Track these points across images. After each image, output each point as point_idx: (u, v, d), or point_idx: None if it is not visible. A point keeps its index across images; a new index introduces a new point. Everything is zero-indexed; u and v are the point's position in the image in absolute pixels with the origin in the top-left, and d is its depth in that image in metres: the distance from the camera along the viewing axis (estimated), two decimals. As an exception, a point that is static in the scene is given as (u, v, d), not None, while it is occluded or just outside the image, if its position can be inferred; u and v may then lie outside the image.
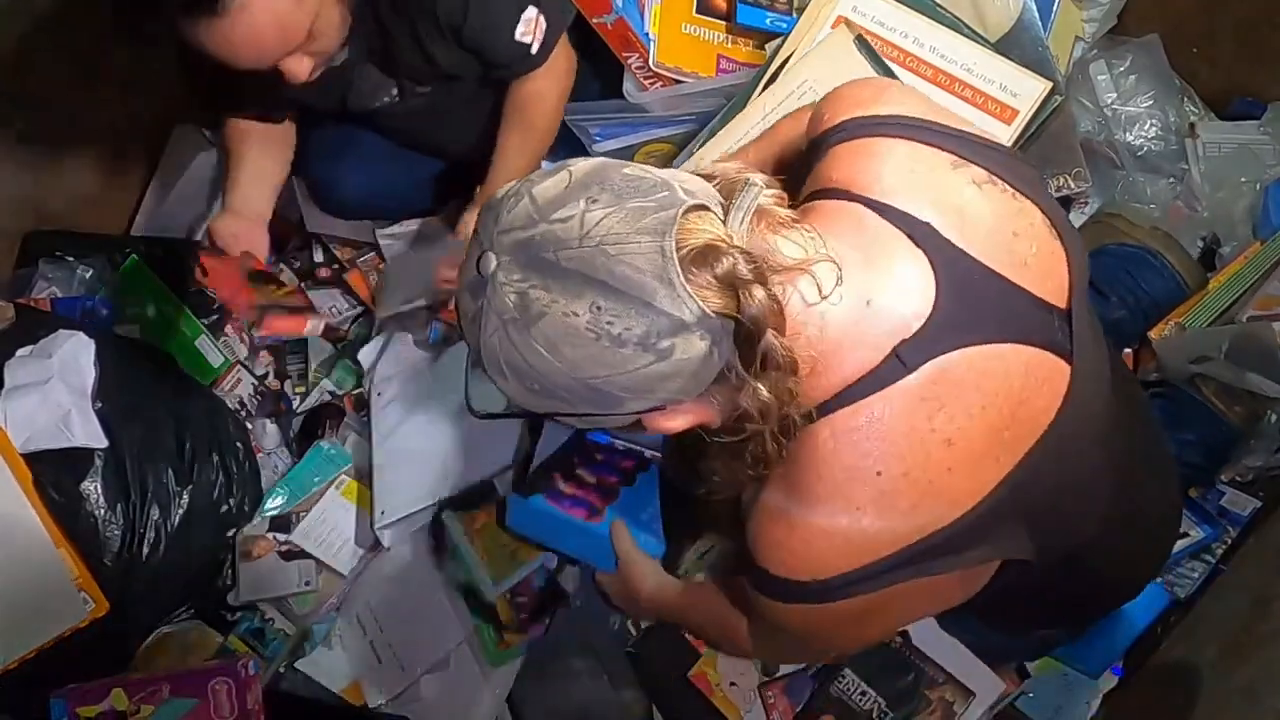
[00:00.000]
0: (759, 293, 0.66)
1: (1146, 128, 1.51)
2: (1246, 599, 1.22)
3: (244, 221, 1.48)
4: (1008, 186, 0.80)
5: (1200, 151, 1.49)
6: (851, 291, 0.72)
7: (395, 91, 1.43)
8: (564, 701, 1.35)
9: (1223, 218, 1.47)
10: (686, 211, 0.66)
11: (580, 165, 0.69)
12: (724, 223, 0.69)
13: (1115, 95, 1.51)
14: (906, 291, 0.74)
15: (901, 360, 0.72)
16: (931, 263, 0.75)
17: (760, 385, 0.69)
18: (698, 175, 0.72)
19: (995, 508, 0.75)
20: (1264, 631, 1.12)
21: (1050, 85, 1.27)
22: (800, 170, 0.87)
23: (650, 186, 0.67)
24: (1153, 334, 1.33)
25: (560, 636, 1.37)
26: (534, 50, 1.34)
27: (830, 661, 1.20)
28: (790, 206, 0.75)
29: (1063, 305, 0.79)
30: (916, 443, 0.73)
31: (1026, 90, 1.28)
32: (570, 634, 1.36)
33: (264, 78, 1.20)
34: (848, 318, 0.72)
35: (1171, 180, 1.51)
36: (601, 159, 0.70)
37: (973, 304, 0.75)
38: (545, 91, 1.41)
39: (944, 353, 0.73)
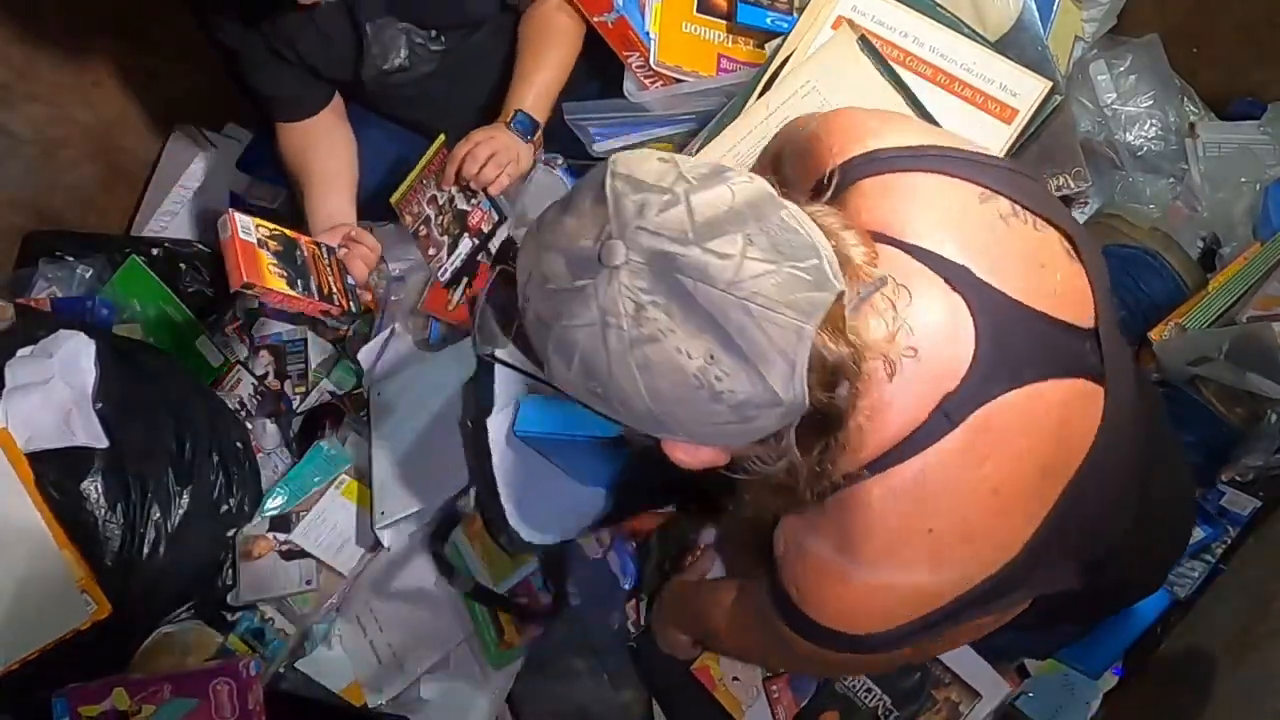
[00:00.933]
0: (847, 387, 0.65)
1: (1146, 128, 1.51)
2: (1246, 599, 1.22)
3: (338, 234, 1.48)
4: (1029, 215, 0.79)
5: (1200, 152, 1.49)
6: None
7: (405, 53, 1.43)
8: (564, 701, 1.35)
9: (1222, 218, 1.46)
10: (833, 301, 0.63)
11: (741, 187, 0.64)
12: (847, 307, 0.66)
13: (1115, 95, 1.51)
14: (947, 340, 0.72)
15: (947, 415, 0.71)
16: (969, 307, 0.73)
17: (800, 458, 0.67)
18: (821, 225, 0.68)
19: (1044, 541, 0.75)
20: (1264, 631, 1.12)
21: (1050, 85, 1.27)
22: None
23: (803, 250, 0.63)
24: (1152, 335, 1.33)
25: (560, 636, 1.36)
26: None
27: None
28: None
29: (1090, 325, 0.79)
30: (966, 495, 0.72)
31: (1026, 90, 1.28)
32: (570, 634, 1.36)
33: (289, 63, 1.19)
34: (899, 374, 0.70)
35: (1171, 180, 1.51)
36: (758, 184, 0.65)
37: (1012, 347, 0.73)
38: (561, 12, 1.43)
39: (987, 402, 0.72)
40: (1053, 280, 0.78)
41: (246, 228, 1.24)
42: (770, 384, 0.62)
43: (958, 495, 0.72)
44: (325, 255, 1.33)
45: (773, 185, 0.67)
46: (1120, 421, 0.79)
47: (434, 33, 1.42)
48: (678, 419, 0.64)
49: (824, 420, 0.66)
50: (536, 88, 1.44)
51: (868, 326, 0.67)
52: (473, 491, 1.03)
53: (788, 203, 0.66)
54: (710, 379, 0.61)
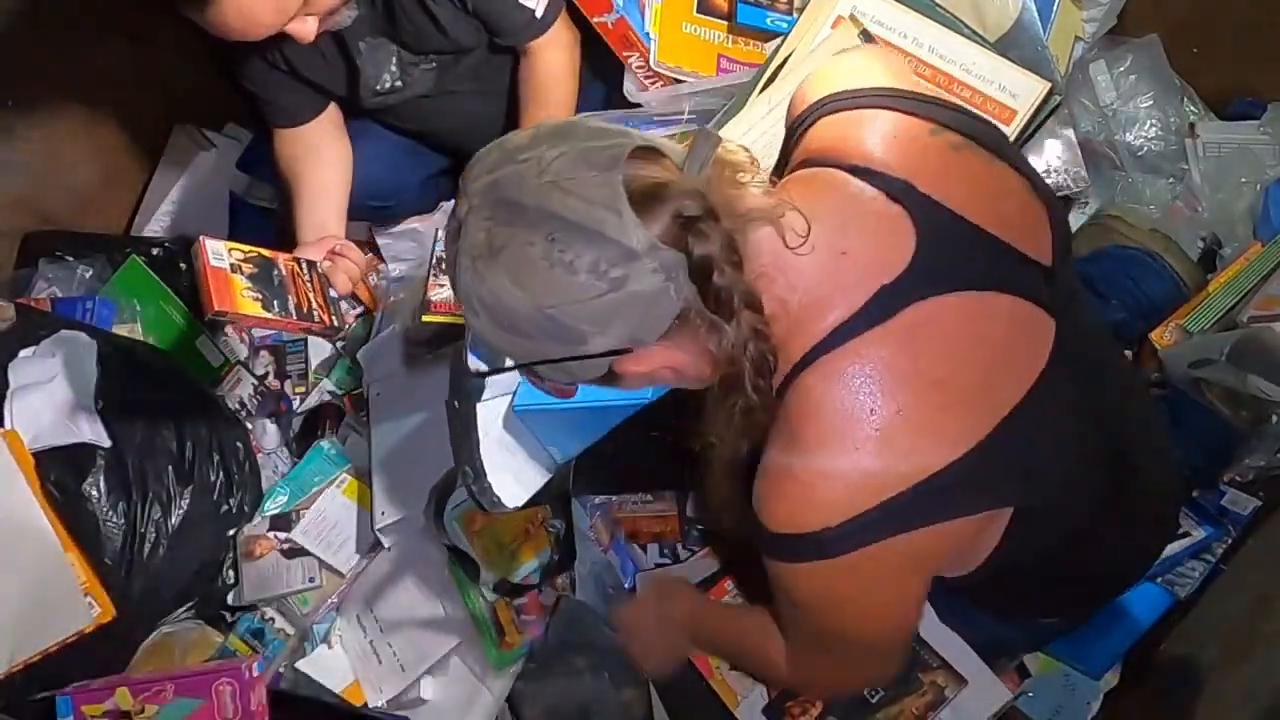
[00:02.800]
0: (710, 230, 0.69)
1: (1146, 128, 1.51)
2: (1247, 599, 1.22)
3: (324, 246, 1.47)
4: (984, 150, 0.82)
5: (1200, 152, 1.49)
6: (825, 243, 0.75)
7: (397, 72, 1.43)
8: (564, 700, 1.35)
9: (1223, 218, 1.46)
10: (635, 151, 0.70)
11: (551, 120, 0.75)
12: (679, 170, 0.72)
13: (1115, 95, 1.51)
14: (883, 241, 0.76)
15: (882, 304, 0.74)
16: (910, 215, 0.77)
17: (725, 325, 0.71)
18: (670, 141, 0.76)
19: (991, 453, 0.75)
20: (1264, 631, 1.12)
21: (1049, 86, 1.27)
22: (783, 150, 0.91)
23: (610, 135, 0.72)
24: (1154, 336, 1.33)
25: (561, 635, 1.36)
26: (539, 14, 1.34)
27: (871, 683, 1.13)
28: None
29: (1047, 263, 0.81)
30: (906, 382, 0.74)
31: (1025, 91, 1.28)
32: (571, 632, 1.36)
33: (284, 73, 1.23)
34: (823, 268, 0.75)
35: (1171, 181, 1.51)
36: (574, 117, 0.74)
37: (955, 253, 0.77)
38: (556, 62, 1.41)
39: (926, 297, 0.75)
40: (1007, 207, 0.81)
41: (218, 253, 1.24)
42: (610, 236, 0.68)
43: (898, 380, 0.74)
44: (306, 272, 1.32)
45: None
46: (1075, 367, 0.80)
47: (426, 55, 1.42)
48: (569, 312, 0.70)
49: (706, 268, 0.70)
50: None
51: (740, 200, 0.74)
52: (464, 469, 1.03)
53: (600, 119, 0.77)
54: (556, 255, 0.68)
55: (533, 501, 1.13)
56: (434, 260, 1.36)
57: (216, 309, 1.20)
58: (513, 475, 1.12)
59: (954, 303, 0.75)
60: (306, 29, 1.18)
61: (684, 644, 1.16)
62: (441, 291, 1.34)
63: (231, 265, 1.25)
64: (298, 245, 1.43)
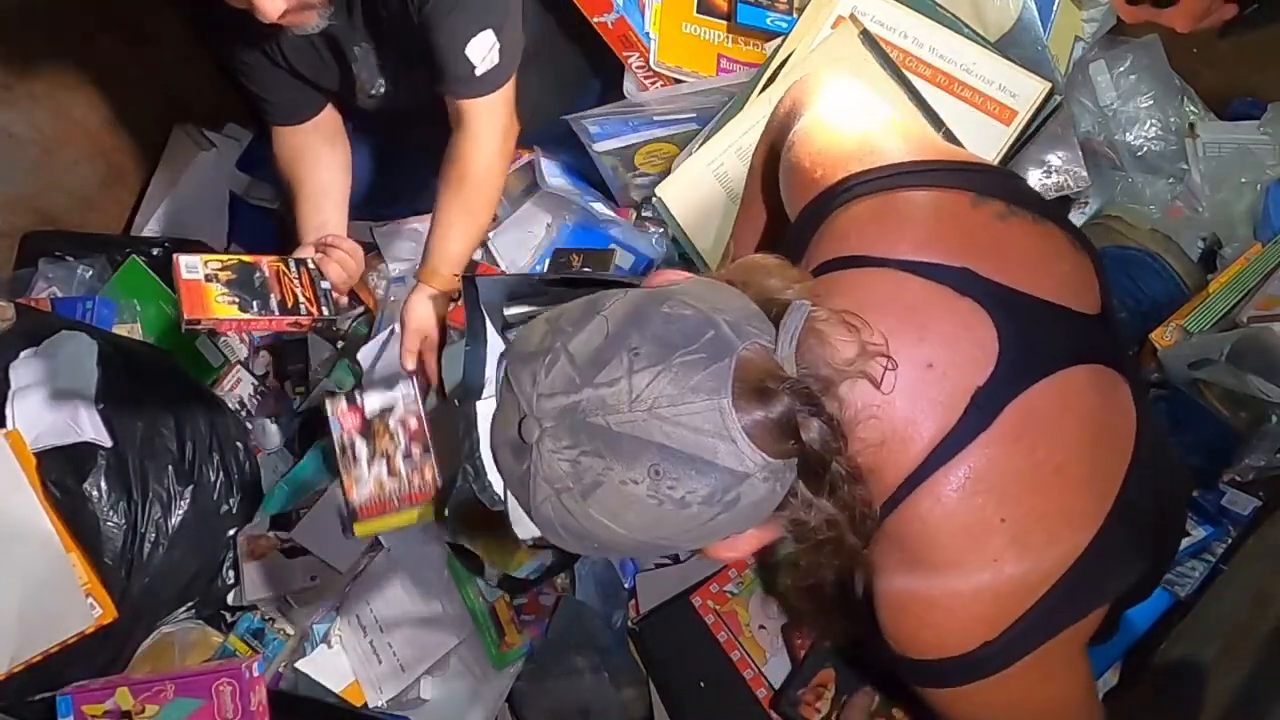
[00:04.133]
0: (816, 425, 0.64)
1: (1146, 128, 1.50)
2: (1247, 599, 1.22)
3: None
4: (1025, 211, 0.78)
5: (1200, 152, 1.48)
6: (907, 359, 0.69)
7: (390, 78, 1.42)
8: (565, 700, 1.35)
9: (1223, 218, 1.46)
10: (738, 359, 0.63)
11: (614, 308, 0.65)
12: (774, 350, 0.65)
13: (1115, 95, 1.51)
14: (964, 342, 0.71)
15: (981, 409, 0.70)
16: (981, 306, 0.72)
17: (826, 503, 0.66)
18: (725, 282, 0.69)
19: (1124, 516, 0.72)
20: (1264, 631, 1.12)
21: (1049, 86, 1.27)
22: (801, 234, 0.83)
23: (694, 329, 0.63)
24: (1154, 336, 1.33)
25: (561, 634, 1.37)
26: (478, 72, 1.30)
27: None
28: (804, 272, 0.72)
29: (1095, 312, 0.78)
30: (1026, 479, 0.70)
31: (1026, 91, 1.28)
32: (570, 632, 1.36)
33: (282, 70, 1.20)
34: (912, 388, 0.69)
35: (1171, 181, 1.50)
36: (634, 294, 0.66)
37: (1035, 337, 0.73)
38: (483, 150, 1.36)
39: (1021, 392, 0.71)
40: (1061, 270, 0.77)
41: (191, 266, 1.25)
42: (724, 465, 0.62)
43: (1020, 481, 0.70)
44: (294, 269, 1.32)
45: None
46: (1144, 406, 0.78)
47: (417, 67, 1.41)
48: (666, 536, 0.65)
49: (818, 462, 0.65)
50: (449, 260, 1.39)
51: (830, 356, 0.67)
52: (465, 467, 1.02)
53: (676, 285, 0.68)
54: (665, 492, 0.62)
55: None
56: (346, 440, 1.27)
57: (187, 317, 1.20)
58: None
59: (1046, 389, 0.71)
60: (272, 5, 1.11)
61: None
62: (364, 490, 1.26)
63: (206, 275, 1.25)
64: (299, 246, 1.43)
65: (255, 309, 1.25)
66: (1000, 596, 0.70)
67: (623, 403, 0.62)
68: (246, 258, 1.30)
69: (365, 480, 1.28)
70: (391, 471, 1.27)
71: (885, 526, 0.71)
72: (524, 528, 0.72)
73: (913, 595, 0.72)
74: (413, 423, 1.29)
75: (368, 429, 1.30)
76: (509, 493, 0.69)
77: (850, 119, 0.89)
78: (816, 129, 0.88)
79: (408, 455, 1.29)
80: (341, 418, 1.29)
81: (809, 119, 0.90)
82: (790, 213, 0.87)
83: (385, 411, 1.30)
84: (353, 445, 1.29)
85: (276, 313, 1.26)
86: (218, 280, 1.26)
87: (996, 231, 0.76)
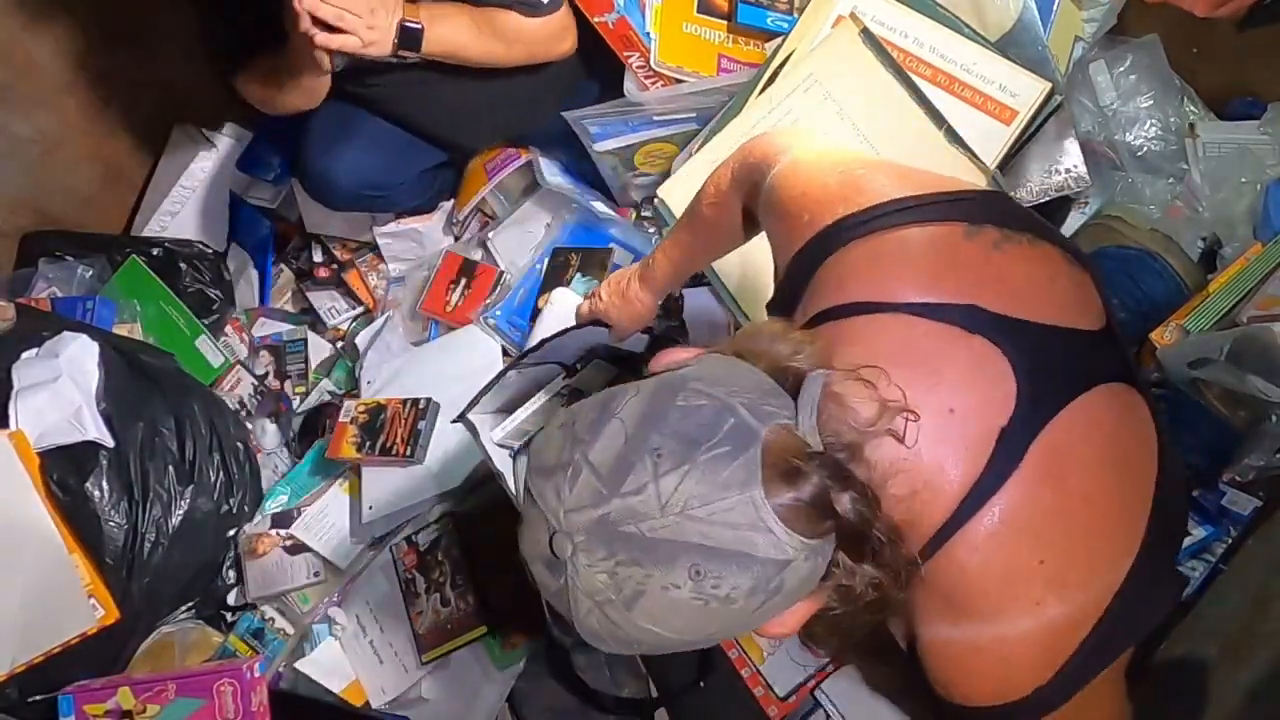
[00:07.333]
0: (848, 499, 0.63)
1: (1146, 128, 1.50)
2: (1247, 599, 1.22)
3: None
4: (1020, 235, 0.77)
5: (1200, 152, 1.48)
6: (927, 408, 0.68)
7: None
8: (564, 700, 1.35)
9: (1223, 218, 1.46)
10: (764, 446, 0.62)
11: (628, 408, 0.64)
12: (795, 425, 0.64)
13: (1115, 95, 1.51)
14: (982, 382, 0.70)
15: (1008, 450, 0.69)
16: (992, 342, 0.71)
17: (869, 568, 0.66)
18: (739, 357, 0.68)
19: (1160, 535, 0.72)
20: (1264, 631, 1.12)
21: (1049, 86, 1.27)
22: (795, 282, 0.81)
23: (712, 419, 0.62)
24: (1154, 336, 1.33)
25: (561, 634, 1.36)
26: None
27: None
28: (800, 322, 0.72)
29: (1099, 327, 0.78)
30: (1059, 515, 0.70)
31: (1026, 90, 1.28)
32: (571, 631, 1.36)
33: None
34: (934, 437, 0.68)
35: (1171, 180, 1.50)
36: (645, 389, 0.65)
37: (1049, 368, 0.72)
38: (532, 36, 1.38)
39: (1043, 426, 0.70)
40: (1061, 290, 0.76)
41: (348, 410, 1.53)
42: (764, 556, 0.61)
43: (1054, 518, 0.70)
44: (406, 409, 1.49)
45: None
46: (1159, 414, 0.78)
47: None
48: (716, 631, 0.64)
49: (856, 533, 0.64)
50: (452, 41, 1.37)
51: (851, 418, 0.66)
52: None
53: (685, 367, 0.67)
54: (708, 591, 0.61)
55: None
56: (406, 577, 1.42)
57: (328, 457, 1.52)
58: (514, 479, 1.15)
59: (1067, 419, 0.71)
60: None
61: None
62: (426, 621, 1.40)
63: (353, 419, 1.52)
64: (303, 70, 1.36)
65: (366, 449, 1.48)
66: (1049, 637, 0.70)
67: (653, 509, 0.61)
68: (382, 400, 1.53)
69: (426, 612, 1.41)
70: (444, 601, 1.41)
71: (923, 573, 0.70)
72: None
73: (961, 644, 0.72)
74: (455, 552, 1.42)
75: (422, 563, 1.42)
76: (553, 605, 0.68)
77: (829, 159, 0.87)
78: (797, 171, 0.87)
79: (455, 585, 1.41)
80: (402, 556, 1.44)
81: (788, 163, 0.88)
82: (777, 257, 0.86)
83: (434, 545, 1.43)
84: (412, 581, 1.42)
85: (376, 453, 1.47)
86: (356, 423, 1.52)
87: (996, 261, 0.75)
